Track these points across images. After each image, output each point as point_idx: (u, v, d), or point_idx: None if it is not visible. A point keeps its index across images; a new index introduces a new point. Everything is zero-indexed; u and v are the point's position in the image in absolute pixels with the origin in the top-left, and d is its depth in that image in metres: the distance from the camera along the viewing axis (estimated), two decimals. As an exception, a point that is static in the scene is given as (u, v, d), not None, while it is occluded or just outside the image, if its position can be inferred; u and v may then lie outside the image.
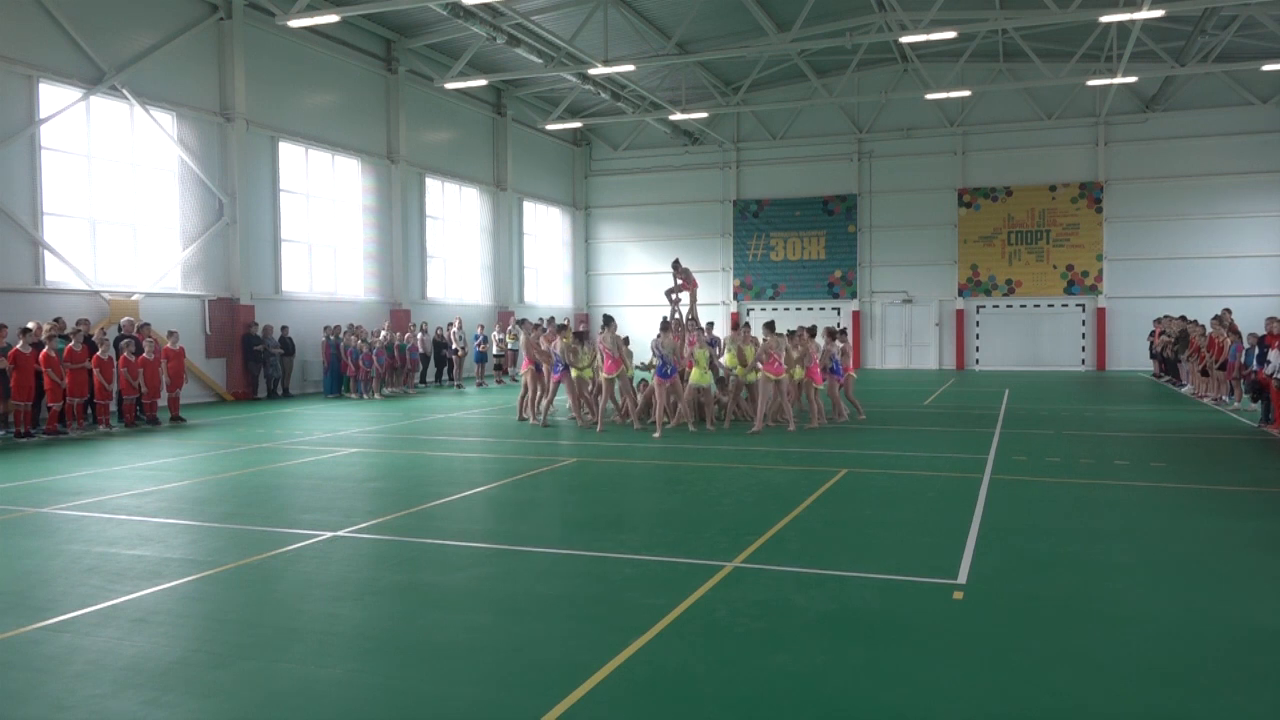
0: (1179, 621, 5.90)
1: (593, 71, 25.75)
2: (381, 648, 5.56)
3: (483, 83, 27.98)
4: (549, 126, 33.40)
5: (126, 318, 18.29)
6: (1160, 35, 26.70)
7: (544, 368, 17.34)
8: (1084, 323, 33.05)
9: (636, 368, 17.55)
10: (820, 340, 16.97)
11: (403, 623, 6.02)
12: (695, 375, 15.91)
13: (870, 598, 6.38)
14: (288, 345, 22.99)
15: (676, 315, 18.54)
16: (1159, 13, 20.18)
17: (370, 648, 5.58)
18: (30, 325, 15.47)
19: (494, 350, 28.26)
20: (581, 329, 18.19)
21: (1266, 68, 26.11)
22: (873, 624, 5.87)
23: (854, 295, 35.56)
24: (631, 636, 5.56)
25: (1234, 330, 19.13)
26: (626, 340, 16.94)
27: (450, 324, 27.82)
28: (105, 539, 8.27)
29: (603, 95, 29.99)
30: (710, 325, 19.31)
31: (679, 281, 18.95)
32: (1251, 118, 31.09)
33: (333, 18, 20.53)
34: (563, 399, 18.50)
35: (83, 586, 6.79)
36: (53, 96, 18.35)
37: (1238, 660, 5.26)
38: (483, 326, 28.79)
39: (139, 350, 16.98)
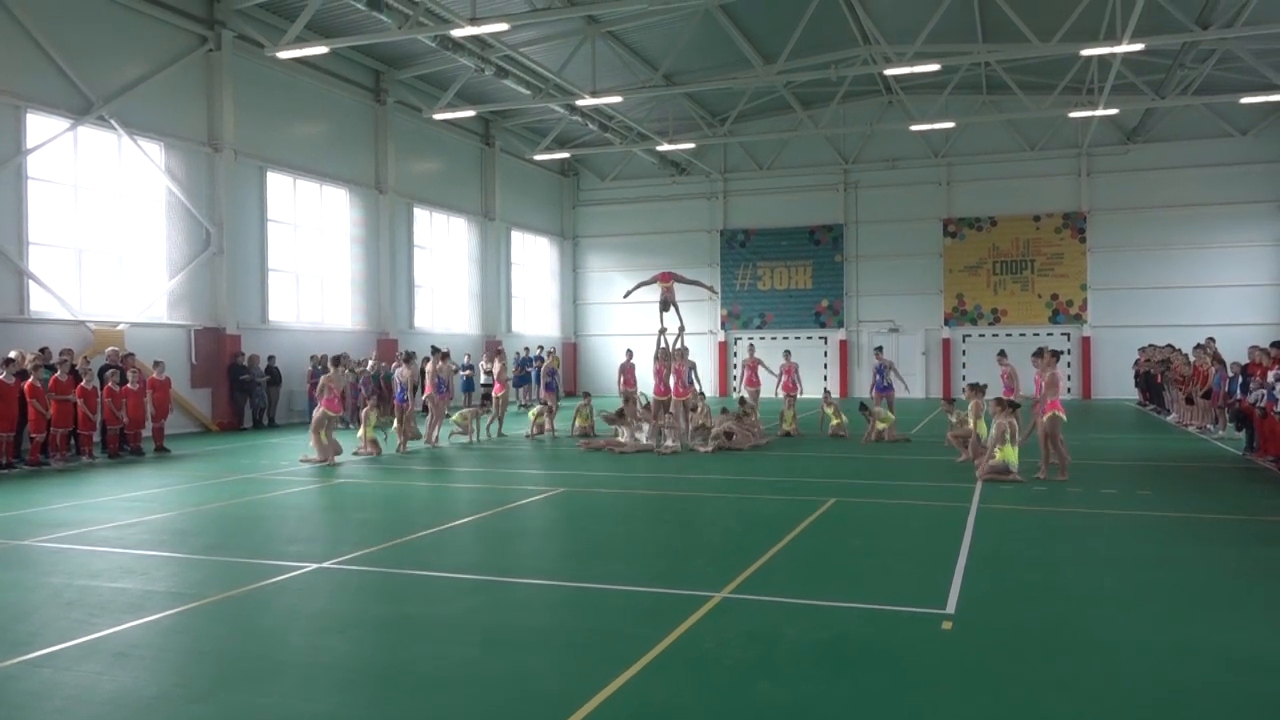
0: (1168, 649, 5.90)
1: (580, 103, 25.94)
2: (367, 680, 5.50)
3: (471, 113, 28.14)
4: (537, 157, 33.57)
5: (112, 347, 18.19)
6: (1140, 68, 27.09)
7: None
8: (1069, 352, 33.22)
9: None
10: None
11: (389, 655, 5.95)
12: (1007, 452, 13.05)
13: (859, 628, 6.35)
14: (274, 375, 22.89)
15: (664, 345, 18.59)
16: (1139, 46, 20.48)
17: (356, 680, 5.52)
18: (12, 355, 15.33)
19: (480, 379, 28.21)
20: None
21: (1245, 100, 26.51)
22: (862, 654, 5.84)
23: (841, 324, 35.71)
24: (619, 668, 5.52)
25: (1218, 359, 19.26)
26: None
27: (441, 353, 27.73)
28: (87, 571, 8.17)
29: (590, 126, 30.18)
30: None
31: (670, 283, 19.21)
32: (1231, 149, 31.50)
33: (321, 49, 20.69)
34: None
35: (64, 620, 6.70)
36: (40, 126, 18.34)
37: (1226, 686, 5.26)
38: (469, 356, 28.80)
39: (124, 380, 16.87)
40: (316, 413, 15.93)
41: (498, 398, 21.16)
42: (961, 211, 34.44)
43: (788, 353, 21.98)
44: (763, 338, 35.64)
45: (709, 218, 37.49)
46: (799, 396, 20.86)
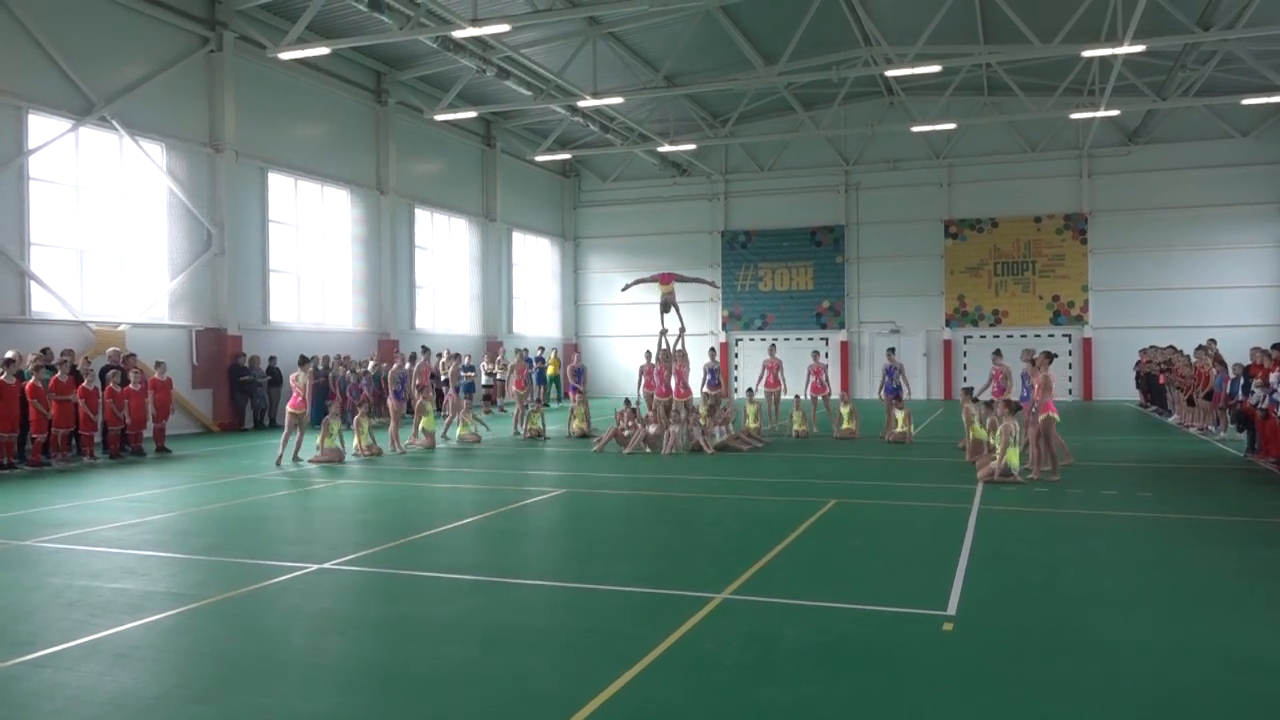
0: (1168, 649, 5.90)
1: (581, 104, 25.94)
2: (368, 681, 5.50)
3: (472, 114, 28.15)
4: (538, 158, 33.58)
5: (113, 348, 18.20)
6: (1142, 70, 27.08)
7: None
8: (1071, 353, 33.21)
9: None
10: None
11: (389, 655, 5.96)
12: (1009, 455, 12.85)
13: (860, 629, 6.35)
14: (275, 375, 22.90)
15: (664, 347, 18.62)
16: (1140, 47, 20.48)
17: (356, 681, 5.52)
18: (10, 355, 15.31)
19: (482, 380, 28.22)
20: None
21: (1246, 101, 26.50)
22: (862, 655, 5.84)
23: (842, 325, 35.70)
24: (620, 668, 5.52)
25: (1219, 360, 19.25)
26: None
27: (440, 355, 27.75)
28: (88, 572, 8.17)
29: (591, 127, 30.19)
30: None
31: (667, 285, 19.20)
32: (1232, 150, 31.49)
33: (323, 50, 20.69)
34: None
35: (64, 620, 6.71)
36: (42, 127, 18.36)
37: (1226, 687, 5.27)
38: (469, 356, 28.79)
39: (125, 381, 16.88)
40: (288, 414, 16.26)
41: (520, 394, 21.72)
42: (962, 213, 34.43)
43: (816, 353, 22.01)
44: (764, 339, 35.63)
45: (710, 219, 37.49)
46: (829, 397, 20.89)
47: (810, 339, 35.50)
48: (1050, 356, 13.76)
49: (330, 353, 24.02)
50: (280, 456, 15.81)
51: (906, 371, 21.12)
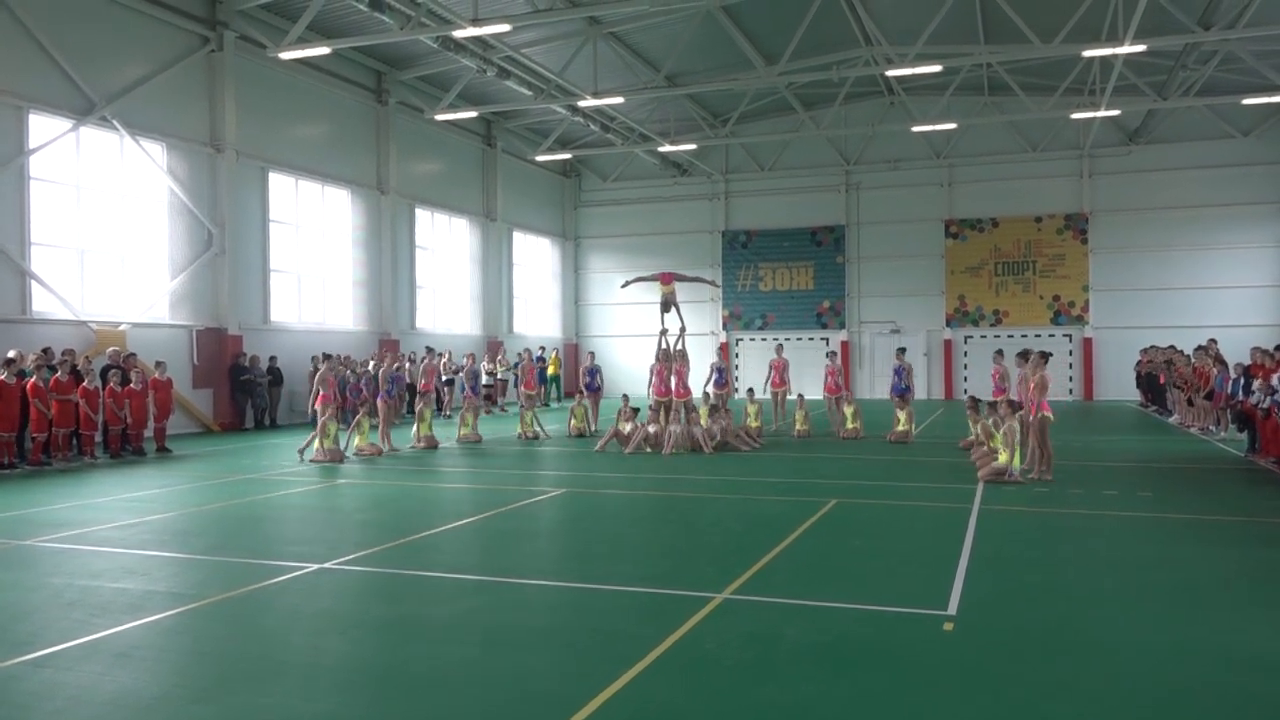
0: (1168, 649, 5.90)
1: (582, 104, 25.95)
2: (368, 681, 5.50)
3: (473, 114, 28.16)
4: (539, 158, 33.58)
5: (113, 348, 18.20)
6: (1142, 69, 27.07)
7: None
8: (1071, 353, 33.21)
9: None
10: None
11: (390, 655, 5.96)
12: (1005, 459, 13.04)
13: (860, 629, 6.35)
14: (276, 375, 22.89)
15: (664, 346, 18.61)
16: (1140, 47, 20.48)
17: (357, 681, 5.52)
18: (12, 354, 15.31)
19: (483, 380, 28.20)
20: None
21: (1247, 101, 26.49)
22: (863, 655, 5.83)
23: (842, 325, 35.69)
24: (620, 668, 5.52)
25: (1220, 360, 19.25)
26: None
27: (440, 355, 27.75)
28: (89, 572, 8.17)
29: (592, 127, 30.19)
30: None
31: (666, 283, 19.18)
32: (1233, 150, 31.48)
33: (323, 50, 20.70)
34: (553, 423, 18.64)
35: (65, 620, 6.71)
36: (42, 127, 18.36)
37: (1226, 686, 5.26)
38: (471, 357, 28.77)
39: (125, 380, 16.88)
40: (320, 411, 16.36)
41: (530, 394, 21.85)
42: (963, 213, 34.42)
43: (833, 354, 21.98)
44: (764, 339, 35.65)
45: (710, 219, 37.48)
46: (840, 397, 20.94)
47: (811, 339, 35.55)
48: (1045, 356, 13.76)
49: (330, 353, 23.98)
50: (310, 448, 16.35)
51: (913, 372, 21.09)
